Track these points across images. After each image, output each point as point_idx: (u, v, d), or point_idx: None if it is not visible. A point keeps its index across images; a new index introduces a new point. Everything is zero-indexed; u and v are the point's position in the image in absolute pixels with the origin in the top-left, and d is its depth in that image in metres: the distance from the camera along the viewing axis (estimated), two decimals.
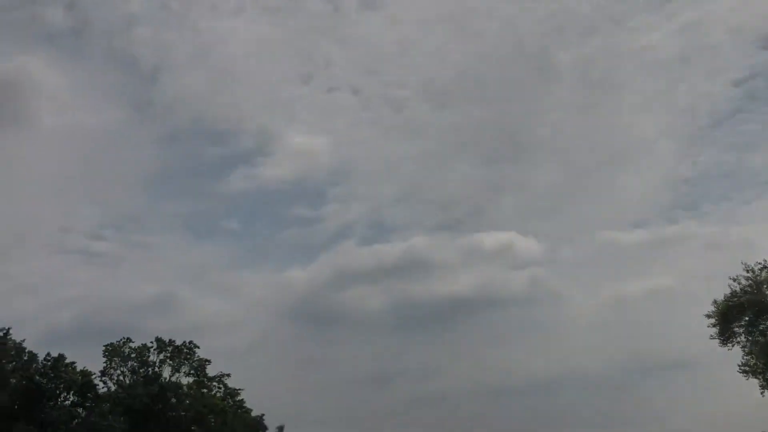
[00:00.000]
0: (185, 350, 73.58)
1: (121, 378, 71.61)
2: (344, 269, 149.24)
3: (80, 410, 67.02)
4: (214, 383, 75.03)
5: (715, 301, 55.95)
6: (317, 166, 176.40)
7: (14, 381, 63.41)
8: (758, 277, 54.67)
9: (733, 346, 55.88)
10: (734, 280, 55.34)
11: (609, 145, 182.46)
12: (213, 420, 72.06)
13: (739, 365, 55.60)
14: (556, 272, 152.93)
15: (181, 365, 73.40)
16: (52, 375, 65.13)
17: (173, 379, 72.52)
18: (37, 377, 64.21)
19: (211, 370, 74.85)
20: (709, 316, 56.02)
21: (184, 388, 72.47)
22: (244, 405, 75.32)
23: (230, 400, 74.62)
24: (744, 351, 55.47)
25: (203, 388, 73.91)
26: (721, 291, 56.01)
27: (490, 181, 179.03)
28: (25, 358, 65.54)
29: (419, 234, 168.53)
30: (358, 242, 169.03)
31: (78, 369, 67.16)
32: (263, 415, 75.20)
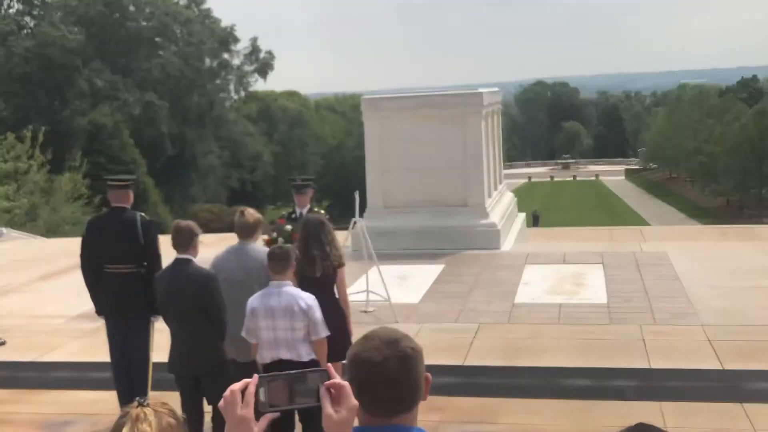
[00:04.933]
0: None
1: None
2: None
3: (27, 19, 61.37)
4: None
5: None
6: None
7: None
8: None
9: None
10: None
11: None
12: (178, 30, 66.73)
13: None
14: None
15: None
16: None
17: None
18: None
19: None
20: None
21: None
22: (212, 14, 69.38)
23: (195, 9, 68.48)
24: None
25: None
26: None
27: None
28: None
29: None
30: None
31: None
32: (234, 25, 69.56)
